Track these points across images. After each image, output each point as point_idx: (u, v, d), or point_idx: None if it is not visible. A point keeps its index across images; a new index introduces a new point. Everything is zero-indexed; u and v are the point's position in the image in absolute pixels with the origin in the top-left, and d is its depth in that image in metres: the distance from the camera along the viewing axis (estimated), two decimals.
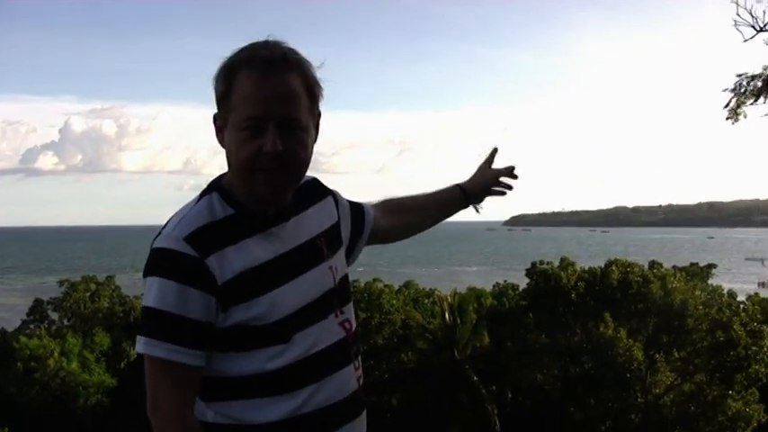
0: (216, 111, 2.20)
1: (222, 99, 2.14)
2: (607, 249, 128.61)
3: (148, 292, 2.07)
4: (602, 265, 34.11)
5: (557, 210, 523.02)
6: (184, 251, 2.06)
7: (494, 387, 30.53)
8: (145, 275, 2.11)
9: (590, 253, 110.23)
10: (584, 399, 30.33)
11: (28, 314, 41.22)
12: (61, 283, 42.80)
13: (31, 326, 40.14)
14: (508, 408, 30.88)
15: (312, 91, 2.17)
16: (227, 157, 2.17)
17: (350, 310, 2.37)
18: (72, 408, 31.86)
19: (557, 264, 34.73)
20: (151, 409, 2.13)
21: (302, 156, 2.15)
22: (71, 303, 40.90)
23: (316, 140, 2.28)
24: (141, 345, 2.08)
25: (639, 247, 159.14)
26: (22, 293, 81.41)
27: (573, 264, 34.89)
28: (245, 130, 2.08)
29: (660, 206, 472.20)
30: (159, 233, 2.15)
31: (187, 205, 2.22)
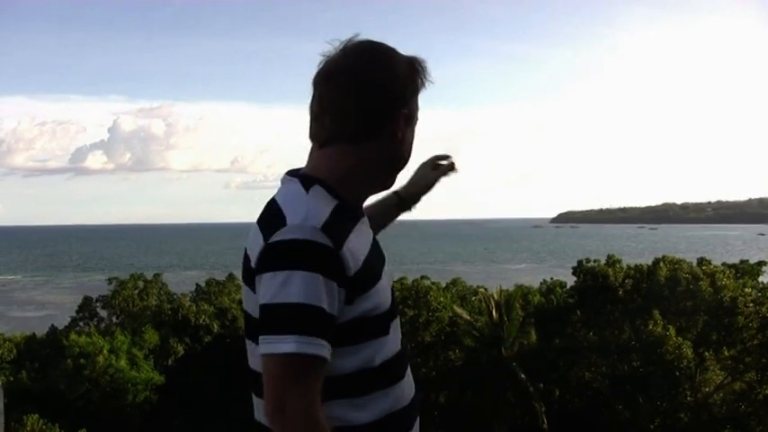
0: (390, 103, 2.14)
1: (414, 93, 2.18)
2: (655, 246, 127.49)
3: (286, 286, 1.93)
4: (650, 263, 33.82)
5: (604, 207, 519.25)
6: (321, 242, 1.96)
7: (541, 385, 30.37)
8: (273, 269, 1.96)
9: (638, 250, 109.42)
10: (632, 397, 30.08)
11: (77, 312, 41.61)
12: (110, 280, 43.18)
13: (81, 323, 40.53)
14: (556, 405, 30.70)
15: None
16: (394, 152, 2.17)
17: None
18: (121, 405, 32.13)
19: (603, 261, 34.46)
20: (274, 410, 1.94)
21: None
22: (120, 301, 41.25)
23: None
24: (289, 344, 1.91)
25: (688, 244, 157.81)
26: (71, 291, 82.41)
27: (620, 261, 34.61)
28: (414, 130, 2.22)
29: (709, 202, 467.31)
30: (274, 226, 2.00)
31: (294, 196, 2.10)
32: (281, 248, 1.96)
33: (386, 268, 2.20)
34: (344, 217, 2.08)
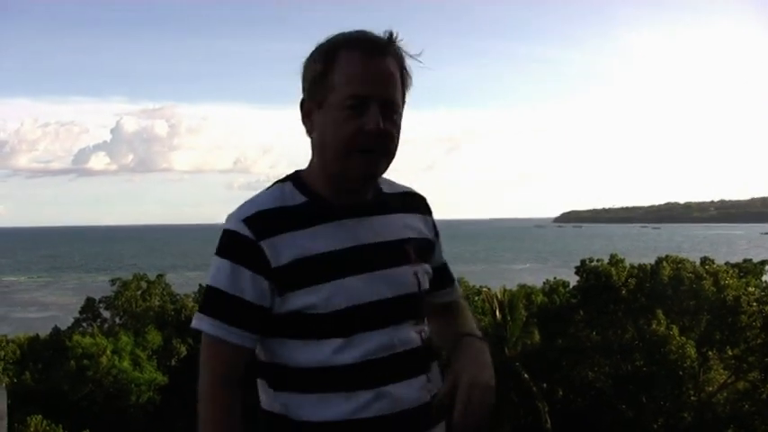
0: (304, 96, 2.18)
1: (318, 79, 2.12)
2: (658, 246, 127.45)
3: (211, 270, 2.13)
4: (653, 262, 33.82)
5: (607, 206, 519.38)
6: (241, 232, 2.08)
7: (545, 384, 30.36)
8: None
9: (641, 249, 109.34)
10: (636, 397, 30.08)
11: (80, 312, 41.67)
12: (113, 281, 43.27)
13: (84, 324, 40.58)
14: (559, 405, 30.69)
15: (404, 79, 2.17)
16: (319, 141, 2.14)
17: (427, 321, 2.29)
18: (124, 405, 32.19)
19: (606, 261, 34.46)
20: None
21: (397, 140, 2.16)
22: (123, 302, 41.30)
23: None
24: (194, 320, 2.16)
25: (691, 244, 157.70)
26: (74, 292, 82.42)
27: (623, 260, 34.61)
28: (346, 109, 2.06)
29: (712, 202, 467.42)
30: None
31: (260, 193, 2.22)
32: (219, 238, 2.15)
33: (367, 276, 2.12)
34: (300, 215, 2.13)
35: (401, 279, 2.18)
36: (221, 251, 2.11)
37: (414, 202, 2.36)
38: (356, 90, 2.06)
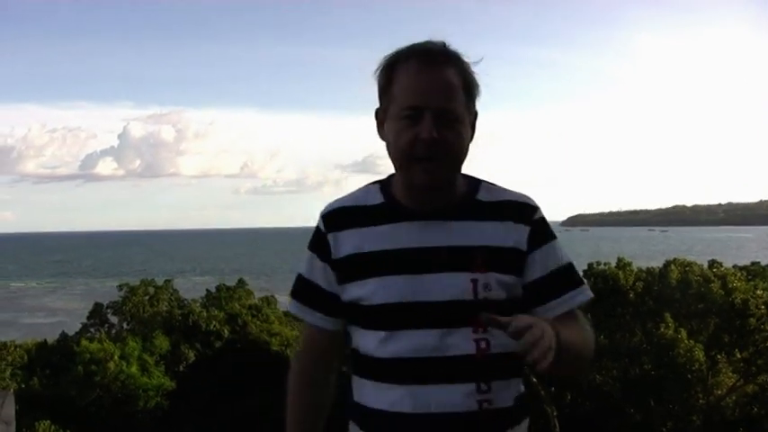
0: (378, 105, 2.33)
1: (383, 91, 2.28)
2: (666, 249, 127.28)
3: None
4: (661, 265, 33.75)
5: (615, 209, 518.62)
6: (319, 225, 2.38)
7: (553, 388, 30.29)
8: None
9: (649, 253, 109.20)
10: (644, 400, 30.01)
11: (88, 318, 41.67)
12: (120, 287, 43.24)
13: (92, 329, 40.58)
14: (567, 409, 30.61)
15: (469, 87, 2.25)
16: (387, 149, 2.29)
17: (500, 333, 2.11)
18: (132, 410, 32.18)
19: (614, 264, 34.40)
20: None
21: (457, 147, 2.23)
22: (130, 307, 41.31)
23: (472, 139, 2.31)
24: (291, 301, 2.51)
25: (699, 247, 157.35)
26: (82, 297, 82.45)
27: (630, 264, 34.56)
28: (403, 120, 2.19)
29: (720, 204, 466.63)
30: None
31: (353, 191, 2.45)
32: None
33: (414, 277, 2.23)
34: (372, 214, 2.30)
35: (454, 284, 2.22)
36: (309, 240, 2.42)
37: (511, 211, 2.35)
38: (411, 101, 2.18)
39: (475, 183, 2.38)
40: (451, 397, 2.20)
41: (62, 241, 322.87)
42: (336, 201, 2.40)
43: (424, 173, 2.19)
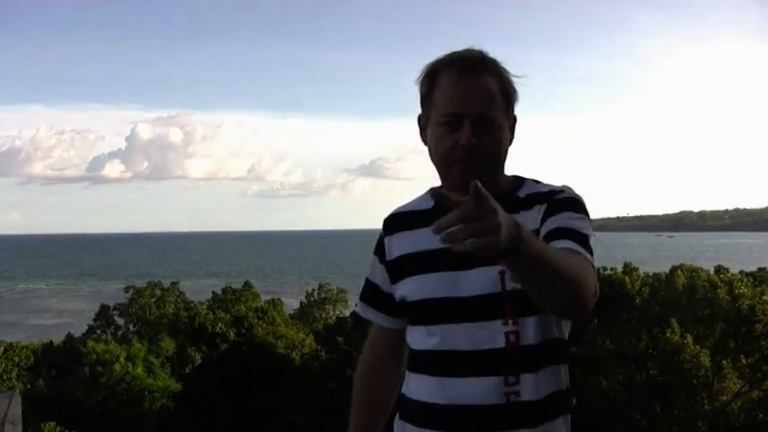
0: (420, 111, 2.42)
1: (425, 98, 2.36)
2: (673, 254, 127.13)
3: None
4: (668, 271, 33.72)
5: (621, 215, 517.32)
6: (381, 229, 2.53)
7: None
8: None
9: (655, 258, 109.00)
10: (650, 405, 29.97)
11: (94, 319, 41.80)
12: (127, 289, 43.38)
13: (98, 331, 40.69)
14: (573, 414, 30.58)
15: (507, 94, 2.33)
16: (429, 154, 2.39)
17: (532, 325, 2.26)
18: (138, 412, 32.22)
19: (620, 269, 34.37)
20: None
21: (495, 151, 2.31)
22: (137, 309, 41.41)
23: (511, 143, 2.39)
24: (359, 302, 2.65)
25: (706, 252, 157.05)
26: (88, 299, 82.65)
27: (637, 269, 34.53)
28: (443, 126, 2.28)
29: (726, 210, 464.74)
30: None
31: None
32: None
33: (447, 274, 2.30)
34: (424, 217, 2.33)
35: (483, 278, 2.26)
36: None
37: (538, 198, 2.36)
38: (451, 108, 2.26)
39: (519, 181, 2.44)
40: (479, 389, 2.25)
41: (69, 243, 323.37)
42: (398, 207, 2.54)
43: (460, 175, 2.25)
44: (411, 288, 2.37)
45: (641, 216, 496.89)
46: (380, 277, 2.52)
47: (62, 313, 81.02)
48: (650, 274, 34.20)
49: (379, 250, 2.51)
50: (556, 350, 2.36)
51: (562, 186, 2.42)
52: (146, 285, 43.11)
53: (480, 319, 2.26)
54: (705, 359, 29.20)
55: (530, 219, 2.31)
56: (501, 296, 2.25)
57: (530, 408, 2.29)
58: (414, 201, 2.51)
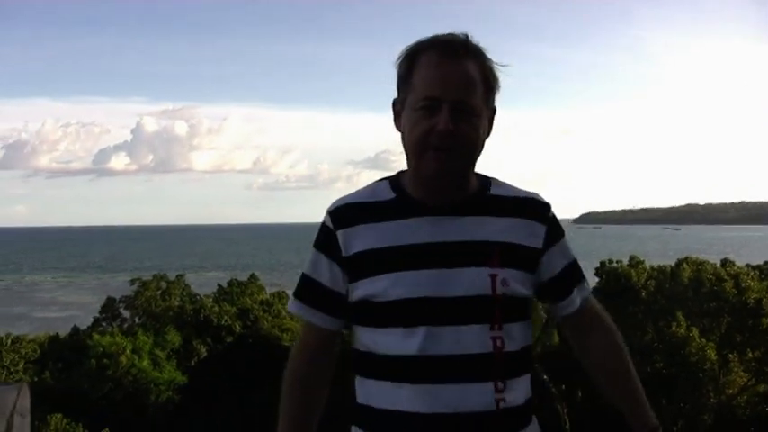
0: (395, 96, 2.30)
1: (403, 81, 2.25)
2: (678, 247, 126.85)
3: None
4: (673, 264, 33.67)
5: (627, 207, 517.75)
6: (325, 222, 2.32)
7: (564, 386, 30.22)
8: None
9: (661, 251, 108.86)
10: (655, 398, 29.92)
11: (100, 312, 41.79)
12: (133, 281, 43.34)
13: (104, 323, 40.69)
14: (578, 407, 30.59)
15: (488, 82, 2.23)
16: (402, 140, 2.27)
17: (515, 331, 2.26)
18: (144, 404, 32.26)
19: (626, 262, 34.31)
20: None
21: (473, 140, 2.20)
22: (142, 301, 41.40)
23: (489, 134, 2.29)
24: (291, 301, 2.45)
25: (712, 245, 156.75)
26: (94, 292, 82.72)
27: (642, 262, 34.47)
28: (420, 110, 2.17)
29: (732, 203, 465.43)
30: None
31: (360, 188, 2.41)
32: None
33: (431, 272, 2.18)
34: (384, 210, 2.25)
35: (474, 279, 2.19)
36: (315, 241, 2.35)
37: (524, 208, 2.34)
38: (429, 91, 2.16)
39: (486, 180, 2.36)
40: (470, 396, 2.17)
41: (75, 236, 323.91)
42: (343, 198, 2.34)
43: (435, 161, 2.16)
44: (386, 286, 2.18)
45: (647, 209, 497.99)
46: (327, 275, 2.30)
47: (68, 306, 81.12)
48: (656, 267, 34.11)
49: (328, 245, 2.29)
50: (529, 356, 2.37)
51: (538, 196, 2.41)
52: (151, 278, 43.06)
53: (469, 321, 2.18)
54: (711, 352, 29.15)
55: (523, 231, 2.30)
56: (491, 299, 2.20)
57: (515, 413, 2.28)
58: (363, 192, 2.34)
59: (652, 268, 33.78)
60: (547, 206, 2.39)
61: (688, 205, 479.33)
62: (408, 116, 2.21)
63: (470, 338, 2.18)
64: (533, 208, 2.35)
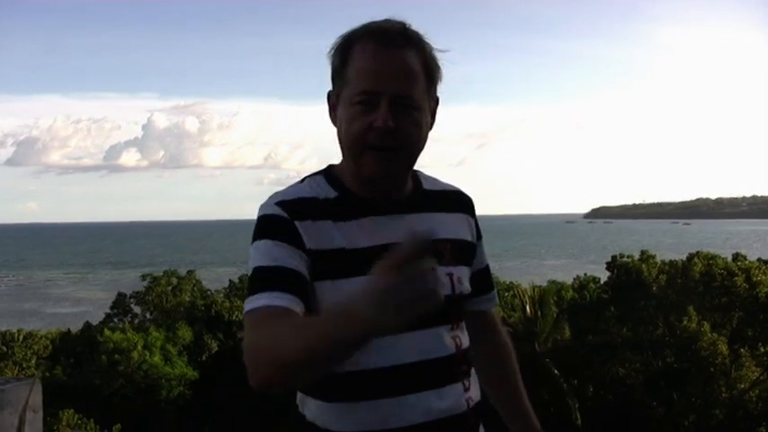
0: (330, 88, 2.11)
1: (337, 73, 2.06)
2: (690, 242, 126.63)
3: (251, 256, 1.99)
4: (685, 258, 33.60)
5: (638, 202, 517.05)
6: (276, 213, 2.00)
7: (575, 381, 30.23)
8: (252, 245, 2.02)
9: (672, 245, 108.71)
10: (667, 393, 29.89)
11: (111, 308, 41.93)
12: (144, 277, 43.45)
13: (115, 319, 40.85)
14: (589, 402, 30.56)
15: (430, 72, 2.05)
16: (338, 136, 2.07)
17: (463, 327, 2.18)
18: (155, 399, 32.35)
19: (637, 257, 34.25)
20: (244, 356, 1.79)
21: (415, 136, 2.02)
22: (153, 297, 41.51)
23: (432, 127, 2.11)
24: (247, 303, 1.90)
25: (723, 240, 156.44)
26: (105, 287, 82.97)
27: (653, 256, 34.41)
28: (356, 105, 1.98)
29: (744, 197, 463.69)
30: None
31: (291, 185, 2.14)
32: (254, 226, 2.05)
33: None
34: (331, 209, 2.05)
35: None
36: (258, 234, 2.01)
37: (457, 203, 2.27)
38: (365, 85, 1.98)
39: (415, 173, 2.23)
40: (445, 401, 2.05)
41: (86, 232, 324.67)
42: (283, 192, 2.09)
43: (376, 162, 2.00)
44: (347, 292, 1.73)
45: (658, 203, 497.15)
46: (291, 259, 1.94)
47: (79, 302, 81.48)
48: (667, 261, 34.03)
49: (289, 234, 1.97)
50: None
51: (458, 187, 2.33)
52: (162, 274, 43.17)
53: (431, 324, 2.02)
54: (722, 347, 29.09)
55: (463, 226, 2.25)
56: (451, 299, 2.07)
57: (479, 410, 2.20)
58: (302, 188, 2.11)
59: (663, 263, 33.70)
60: (472, 200, 2.34)
61: (699, 199, 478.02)
62: (344, 111, 2.02)
63: (435, 342, 2.06)
64: (464, 202, 2.30)
